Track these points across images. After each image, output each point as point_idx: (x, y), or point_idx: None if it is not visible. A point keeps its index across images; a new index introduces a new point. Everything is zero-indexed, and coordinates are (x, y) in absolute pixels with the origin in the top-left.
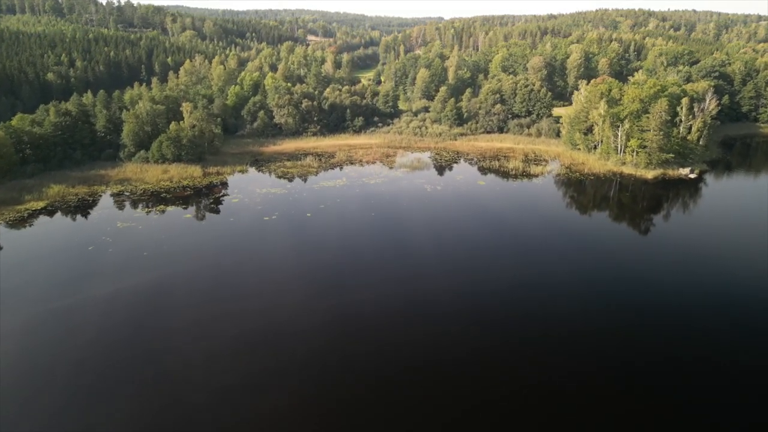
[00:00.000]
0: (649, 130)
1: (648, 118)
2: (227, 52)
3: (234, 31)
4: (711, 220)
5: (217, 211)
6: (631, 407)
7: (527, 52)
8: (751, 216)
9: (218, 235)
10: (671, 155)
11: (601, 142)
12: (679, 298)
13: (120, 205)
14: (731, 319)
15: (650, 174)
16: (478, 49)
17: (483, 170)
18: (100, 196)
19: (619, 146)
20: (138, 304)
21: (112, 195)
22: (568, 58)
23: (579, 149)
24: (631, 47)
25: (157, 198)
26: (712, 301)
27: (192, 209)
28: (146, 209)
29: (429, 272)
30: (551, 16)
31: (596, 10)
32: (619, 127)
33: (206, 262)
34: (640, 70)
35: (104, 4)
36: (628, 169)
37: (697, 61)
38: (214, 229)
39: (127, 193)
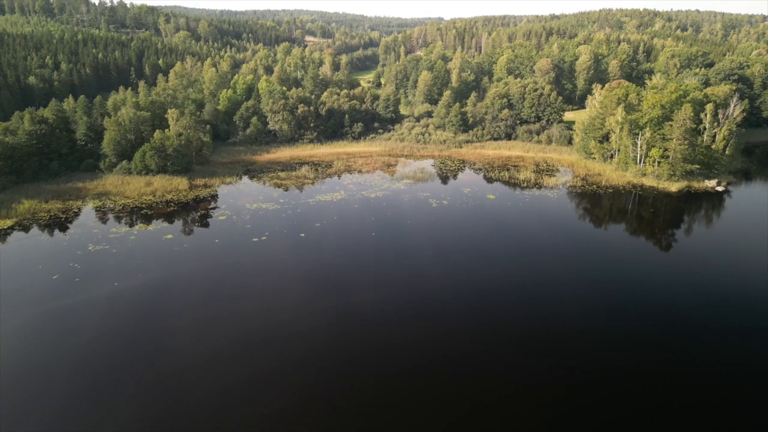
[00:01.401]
0: (672, 139)
1: (671, 125)
2: (222, 53)
3: (230, 31)
4: (753, 243)
5: (202, 231)
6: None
7: (533, 54)
8: None
9: (199, 263)
10: (696, 166)
11: (618, 151)
12: (721, 338)
13: (95, 223)
14: None
15: (674, 187)
16: (481, 51)
17: (492, 182)
18: (75, 212)
19: (638, 156)
20: (99, 356)
21: (89, 211)
22: (576, 60)
23: (594, 158)
24: (640, 48)
25: (137, 215)
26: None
27: (174, 228)
28: (124, 228)
29: (437, 309)
30: (554, 17)
31: (600, 10)
32: (638, 135)
33: (179, 303)
34: (658, 74)
35: (96, 4)
36: (649, 181)
37: (711, 64)
38: (195, 254)
39: (105, 209)
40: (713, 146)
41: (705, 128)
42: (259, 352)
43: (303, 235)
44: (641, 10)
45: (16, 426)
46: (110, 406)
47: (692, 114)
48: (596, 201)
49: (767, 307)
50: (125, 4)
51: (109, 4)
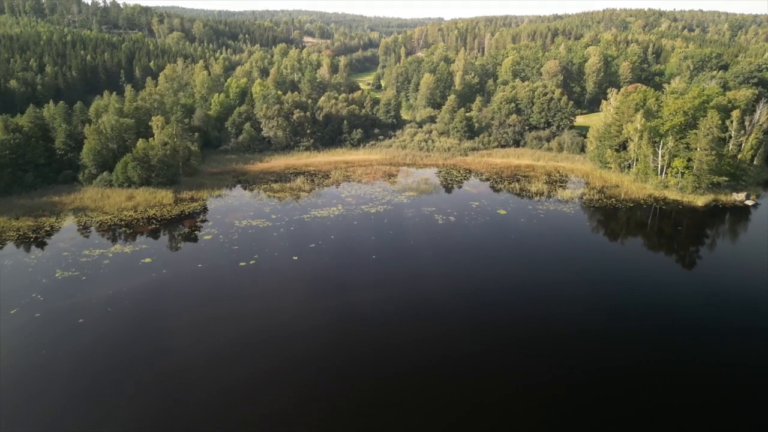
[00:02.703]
0: (697, 149)
1: (695, 134)
2: (217, 55)
3: (226, 32)
4: None
5: (184, 253)
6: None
7: (539, 56)
8: None
9: (176, 294)
10: (725, 178)
11: (637, 160)
12: None
13: (67, 244)
14: None
15: (700, 200)
16: (484, 52)
17: (502, 194)
18: (47, 231)
19: (659, 166)
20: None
21: (62, 229)
22: (585, 61)
23: (610, 168)
24: (649, 49)
25: (114, 234)
26: None
27: (154, 249)
28: (98, 250)
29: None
30: (557, 17)
31: (604, 10)
32: (658, 143)
33: (149, 346)
34: (676, 78)
35: (89, 4)
36: (672, 194)
37: (725, 66)
38: (173, 282)
39: (80, 228)
40: (739, 156)
41: (731, 136)
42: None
43: (296, 258)
44: (646, 10)
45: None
46: None
47: (719, 121)
48: (617, 217)
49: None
50: (118, 4)
51: (102, 5)
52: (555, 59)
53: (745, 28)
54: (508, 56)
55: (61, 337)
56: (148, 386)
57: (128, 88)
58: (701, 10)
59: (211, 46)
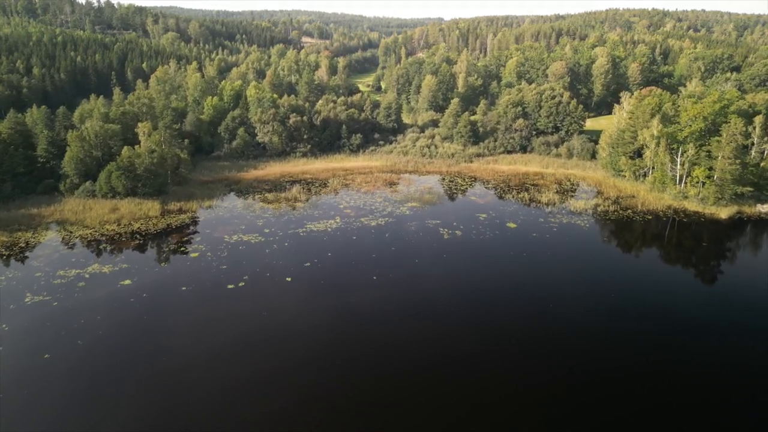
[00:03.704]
0: (719, 157)
1: (718, 141)
2: (213, 56)
3: (222, 32)
4: None
5: (168, 274)
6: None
7: (545, 57)
8: None
9: (154, 326)
10: (749, 189)
11: (653, 168)
12: None
13: (42, 263)
14: None
15: (724, 212)
16: (486, 53)
17: (510, 205)
18: (22, 248)
19: (678, 175)
20: None
21: (38, 246)
22: (593, 63)
23: (624, 176)
24: (657, 50)
25: (94, 250)
26: None
27: (135, 269)
28: (74, 270)
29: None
30: (559, 17)
31: (606, 10)
32: (677, 151)
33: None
34: (693, 80)
35: (83, 3)
36: (692, 205)
37: (737, 67)
38: (153, 309)
39: (57, 244)
40: (762, 164)
41: (753, 143)
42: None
43: (289, 279)
44: (650, 9)
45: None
46: None
47: (743, 128)
48: (635, 231)
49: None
50: (112, 4)
51: (96, 5)
52: (561, 60)
53: (750, 28)
54: (512, 57)
55: (22, 376)
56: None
57: (116, 92)
58: (704, 10)
59: (207, 46)
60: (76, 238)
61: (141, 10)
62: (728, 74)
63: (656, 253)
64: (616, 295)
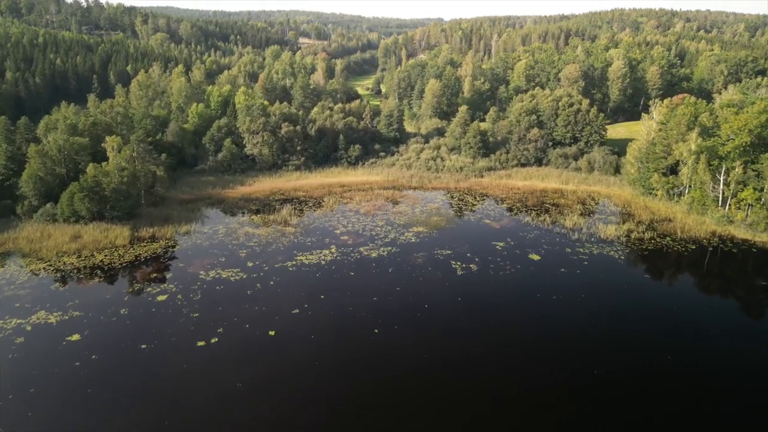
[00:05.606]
0: None
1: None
2: (204, 57)
3: (216, 33)
4: None
5: (126, 325)
6: None
7: (555, 59)
8: None
9: (97, 409)
10: None
11: (690, 187)
12: None
13: None
14: None
15: None
16: (490, 54)
17: (530, 230)
18: None
19: (720, 196)
20: None
21: None
22: (608, 66)
23: (655, 195)
24: (672, 52)
25: (42, 292)
26: None
27: (88, 318)
28: (14, 320)
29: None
30: (563, 17)
31: (612, 10)
32: (717, 168)
33: None
34: (730, 86)
35: (70, 2)
36: (738, 231)
37: (762, 70)
38: (100, 381)
39: (3, 282)
40: None
41: None
42: None
43: (272, 333)
44: (657, 9)
45: None
46: None
47: None
48: (681, 264)
49: None
50: (101, 4)
51: (84, 4)
52: (574, 63)
53: (762, 29)
54: (520, 60)
55: None
56: None
57: (91, 98)
58: (709, 10)
59: (198, 48)
60: (27, 274)
61: (130, 10)
62: (758, 79)
63: (711, 295)
64: (692, 382)
